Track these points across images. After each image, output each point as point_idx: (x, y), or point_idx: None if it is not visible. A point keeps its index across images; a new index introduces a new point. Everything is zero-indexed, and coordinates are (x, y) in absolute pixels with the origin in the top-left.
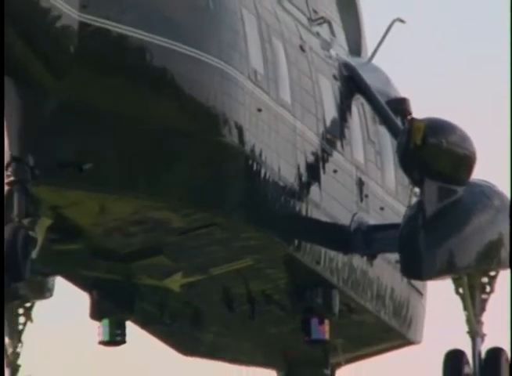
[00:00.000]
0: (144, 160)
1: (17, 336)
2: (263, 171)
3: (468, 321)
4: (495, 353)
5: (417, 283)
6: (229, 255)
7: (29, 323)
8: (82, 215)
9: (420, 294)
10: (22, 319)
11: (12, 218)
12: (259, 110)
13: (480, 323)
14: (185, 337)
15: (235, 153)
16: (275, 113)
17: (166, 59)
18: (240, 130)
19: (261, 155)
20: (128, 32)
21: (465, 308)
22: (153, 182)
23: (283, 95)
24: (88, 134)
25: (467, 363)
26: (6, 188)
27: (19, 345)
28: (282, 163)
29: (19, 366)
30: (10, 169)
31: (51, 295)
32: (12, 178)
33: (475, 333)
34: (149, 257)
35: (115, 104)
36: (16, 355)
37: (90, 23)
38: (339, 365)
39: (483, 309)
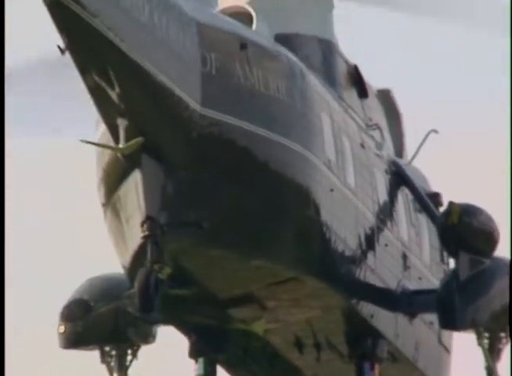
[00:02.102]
0: (246, 226)
1: (124, 370)
2: (333, 240)
3: (487, 365)
4: None
5: (446, 342)
6: (304, 306)
7: (135, 361)
8: (195, 266)
9: (448, 351)
10: (129, 358)
11: (145, 264)
12: (331, 190)
13: (496, 367)
14: (258, 373)
15: (314, 223)
16: (343, 194)
17: (266, 146)
18: (317, 205)
19: (332, 226)
20: (238, 123)
21: (485, 356)
22: (253, 244)
23: (349, 180)
24: (205, 201)
25: None
26: (141, 241)
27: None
28: (347, 234)
29: None
30: (145, 226)
31: (154, 341)
32: (146, 233)
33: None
34: (244, 305)
35: (224, 179)
36: None
37: (208, 115)
38: None
39: (499, 357)
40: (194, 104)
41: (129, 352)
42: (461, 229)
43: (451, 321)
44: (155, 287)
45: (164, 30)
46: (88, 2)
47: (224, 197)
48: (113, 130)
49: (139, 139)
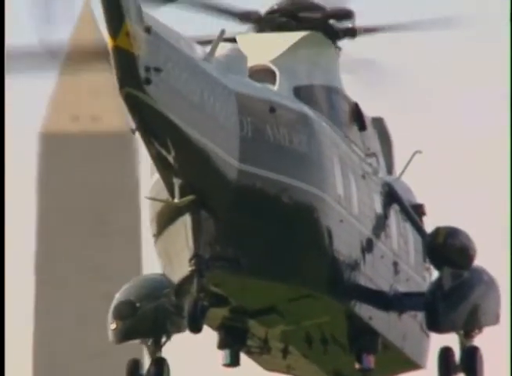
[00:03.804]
0: (273, 258)
1: (159, 349)
2: (342, 262)
3: (461, 341)
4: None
5: (426, 329)
6: (316, 314)
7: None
8: (231, 289)
9: (428, 336)
10: (163, 340)
11: (192, 293)
12: (341, 221)
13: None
14: (273, 362)
15: (327, 252)
16: (349, 221)
17: (290, 192)
18: (330, 235)
19: (341, 251)
20: (268, 175)
21: (460, 338)
22: (278, 273)
23: (354, 209)
24: (241, 240)
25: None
26: (188, 274)
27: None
28: (352, 255)
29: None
30: (193, 261)
31: (186, 330)
32: (194, 268)
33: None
34: (266, 314)
35: (257, 222)
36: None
37: (244, 169)
38: None
39: (472, 339)
40: (233, 161)
41: (164, 337)
42: (445, 249)
43: (436, 326)
44: (201, 312)
45: (211, 105)
46: (154, 95)
47: (257, 236)
48: (170, 187)
49: (191, 197)
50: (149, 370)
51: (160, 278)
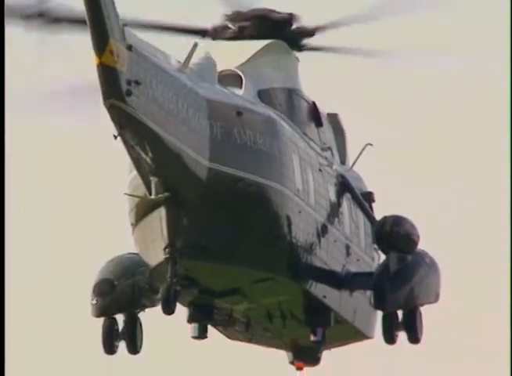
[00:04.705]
0: (239, 244)
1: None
2: (299, 248)
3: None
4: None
5: None
6: (275, 294)
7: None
8: (202, 273)
9: (376, 310)
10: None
11: (166, 279)
12: (299, 212)
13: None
14: (237, 333)
15: (287, 239)
16: (306, 211)
17: (254, 187)
18: (289, 224)
19: (299, 238)
20: (234, 172)
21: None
22: (242, 257)
23: (311, 200)
24: (210, 230)
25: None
26: (163, 260)
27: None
28: (308, 241)
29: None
30: (167, 250)
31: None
32: (168, 256)
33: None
34: (231, 295)
35: (225, 214)
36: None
37: (213, 167)
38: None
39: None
40: (204, 161)
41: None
42: (391, 237)
43: (382, 305)
44: (174, 297)
45: (185, 112)
46: (134, 105)
47: (224, 227)
48: (147, 184)
49: (166, 194)
50: (124, 326)
51: (136, 258)
